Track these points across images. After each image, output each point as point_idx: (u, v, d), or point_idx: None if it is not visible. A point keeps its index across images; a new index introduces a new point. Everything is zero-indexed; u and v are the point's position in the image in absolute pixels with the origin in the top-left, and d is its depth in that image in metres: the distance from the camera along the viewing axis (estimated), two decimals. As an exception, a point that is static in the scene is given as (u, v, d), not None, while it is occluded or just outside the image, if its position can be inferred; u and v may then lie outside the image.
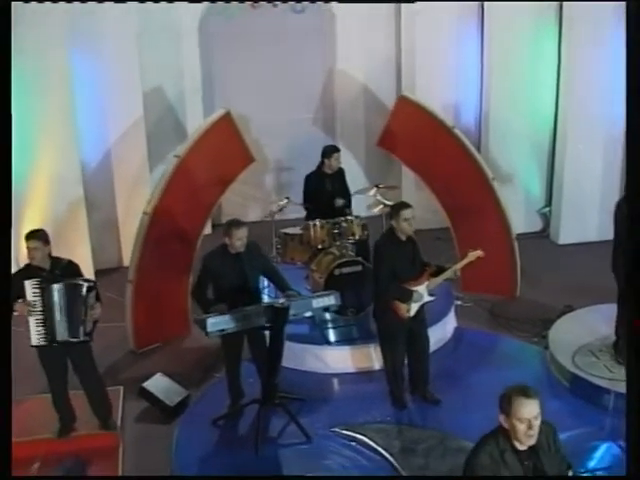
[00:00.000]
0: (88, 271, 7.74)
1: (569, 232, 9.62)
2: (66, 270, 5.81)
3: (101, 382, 6.19)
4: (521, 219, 9.59)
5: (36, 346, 5.73)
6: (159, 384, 6.68)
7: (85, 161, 8.94)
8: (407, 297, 6.03)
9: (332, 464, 5.73)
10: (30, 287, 5.61)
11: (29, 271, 5.73)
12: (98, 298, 5.90)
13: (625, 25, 5.42)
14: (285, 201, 7.71)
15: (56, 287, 5.66)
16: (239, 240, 5.87)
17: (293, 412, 6.13)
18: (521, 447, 3.69)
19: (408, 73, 9.83)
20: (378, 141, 8.58)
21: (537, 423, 3.62)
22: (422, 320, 6.31)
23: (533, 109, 9.68)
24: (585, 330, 7.05)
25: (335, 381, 6.91)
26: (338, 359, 6.97)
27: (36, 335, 5.69)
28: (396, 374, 6.35)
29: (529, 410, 3.59)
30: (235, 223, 5.90)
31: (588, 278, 8.24)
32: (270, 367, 5.91)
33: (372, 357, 6.91)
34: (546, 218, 10.01)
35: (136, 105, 9.01)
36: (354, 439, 6.00)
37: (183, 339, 7.72)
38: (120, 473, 5.79)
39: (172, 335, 7.68)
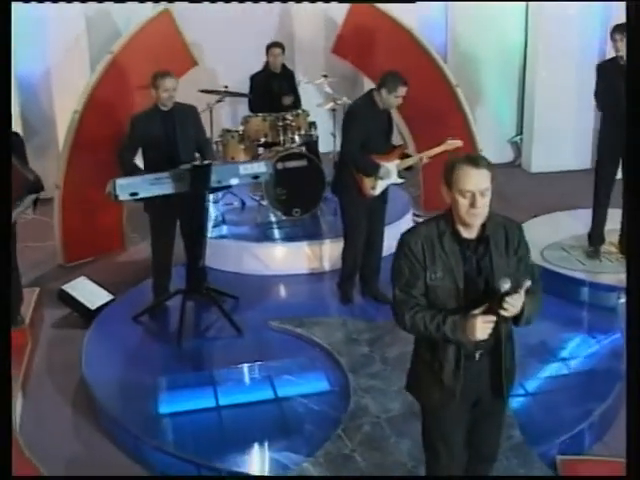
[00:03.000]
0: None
1: (541, 161, 9.06)
2: None
3: (17, 277, 5.57)
4: (491, 149, 8.98)
5: None
6: (81, 287, 6.08)
7: (22, 81, 8.29)
8: (374, 171, 5.39)
9: (264, 356, 5.14)
10: None
11: None
12: (34, 206, 5.38)
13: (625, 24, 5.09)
14: (223, 89, 7.04)
15: None
16: (165, 92, 5.32)
17: (225, 309, 5.51)
18: (465, 234, 3.00)
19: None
20: (332, 48, 7.96)
21: (484, 201, 2.92)
22: (381, 209, 5.71)
23: (502, 35, 9.13)
24: (555, 229, 6.60)
25: (274, 282, 6.23)
26: (280, 259, 6.34)
27: None
28: (355, 259, 5.73)
29: (475, 181, 2.90)
30: (160, 73, 5.36)
31: (560, 202, 7.66)
32: (192, 244, 5.23)
33: (317, 257, 6.29)
34: (517, 147, 9.44)
35: (77, 19, 8.37)
36: (291, 332, 5.40)
37: (117, 255, 7.10)
38: (23, 371, 5.16)
39: (105, 249, 7.06)
